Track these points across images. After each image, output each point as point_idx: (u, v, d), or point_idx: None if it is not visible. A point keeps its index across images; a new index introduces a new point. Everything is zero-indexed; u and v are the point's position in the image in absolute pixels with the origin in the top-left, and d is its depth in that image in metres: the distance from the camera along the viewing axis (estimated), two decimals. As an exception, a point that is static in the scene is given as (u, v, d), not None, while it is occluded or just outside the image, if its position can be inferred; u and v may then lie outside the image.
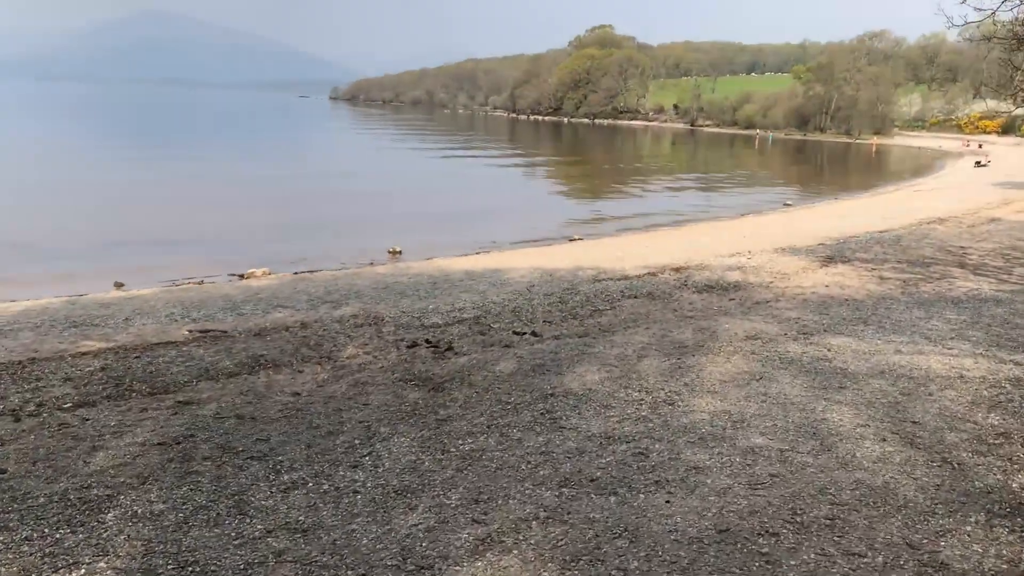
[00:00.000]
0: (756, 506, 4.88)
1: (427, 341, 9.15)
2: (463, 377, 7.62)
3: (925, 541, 4.50)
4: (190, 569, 4.22)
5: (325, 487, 5.20)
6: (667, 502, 4.93)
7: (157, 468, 5.47)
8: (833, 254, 16.07)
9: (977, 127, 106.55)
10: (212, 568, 4.23)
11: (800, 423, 6.33)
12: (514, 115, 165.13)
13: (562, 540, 4.49)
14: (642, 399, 6.91)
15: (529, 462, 5.58)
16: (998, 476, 5.38)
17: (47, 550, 4.38)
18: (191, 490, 5.14)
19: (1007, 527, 4.67)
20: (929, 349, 8.73)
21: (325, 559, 4.32)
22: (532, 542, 4.47)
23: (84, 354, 8.64)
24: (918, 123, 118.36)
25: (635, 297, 11.81)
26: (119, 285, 15.33)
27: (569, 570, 4.20)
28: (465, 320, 10.31)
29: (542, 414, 6.55)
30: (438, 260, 17.23)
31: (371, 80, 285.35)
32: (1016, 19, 21.59)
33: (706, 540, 4.48)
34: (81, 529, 4.61)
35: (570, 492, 5.08)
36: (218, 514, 4.82)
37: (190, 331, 9.91)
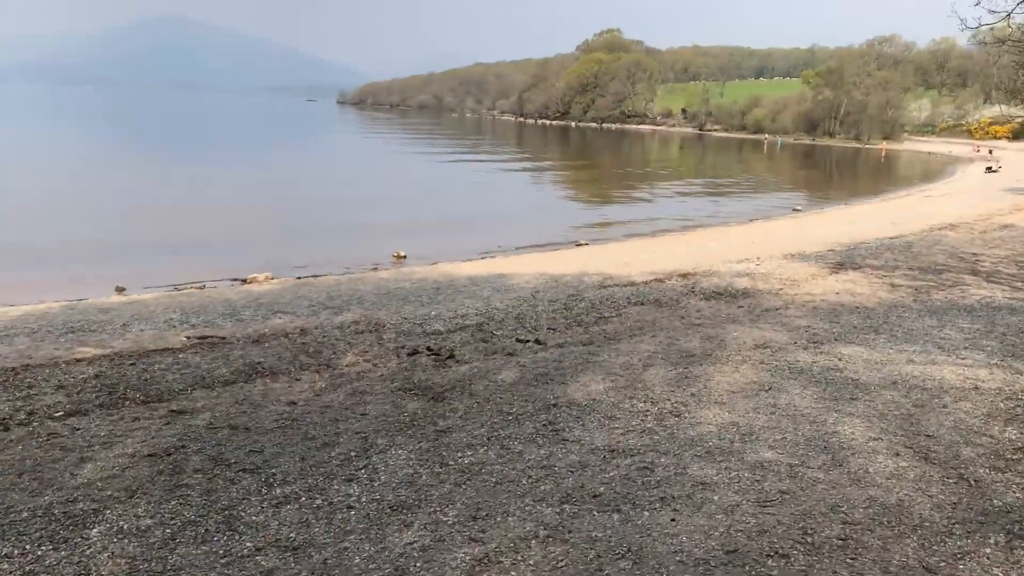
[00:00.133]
0: (765, 525, 4.68)
1: (428, 349, 8.97)
2: (464, 386, 7.44)
3: (942, 564, 4.30)
4: (174, 590, 4.06)
5: (318, 502, 5.02)
6: (672, 520, 4.74)
7: (146, 481, 5.30)
8: (843, 260, 15.84)
9: (988, 132, 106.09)
10: (197, 589, 4.07)
11: (810, 436, 6.14)
12: (521, 119, 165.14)
13: (562, 561, 4.30)
14: (647, 410, 6.73)
15: (530, 476, 5.40)
16: (1017, 494, 5.17)
17: (27, 568, 4.22)
18: (180, 504, 4.97)
19: (1028, 549, 4.48)
20: (942, 359, 8.52)
21: (315, 580, 4.15)
22: (531, 563, 4.29)
23: (79, 361, 8.49)
24: (928, 128, 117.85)
25: (641, 304, 11.61)
26: (120, 290, 15.20)
27: (569, 593, 4.03)
28: (468, 327, 10.12)
29: (544, 425, 6.37)
30: (442, 265, 17.06)
31: (379, 84, 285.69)
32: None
33: (713, 562, 4.29)
34: (64, 546, 4.44)
35: (572, 509, 4.90)
36: (206, 530, 4.65)
37: (188, 337, 9.75)
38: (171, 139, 72.63)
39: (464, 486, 5.25)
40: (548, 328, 10.04)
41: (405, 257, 19.27)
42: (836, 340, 9.33)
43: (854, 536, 4.57)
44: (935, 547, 4.47)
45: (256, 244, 21.04)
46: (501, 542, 4.50)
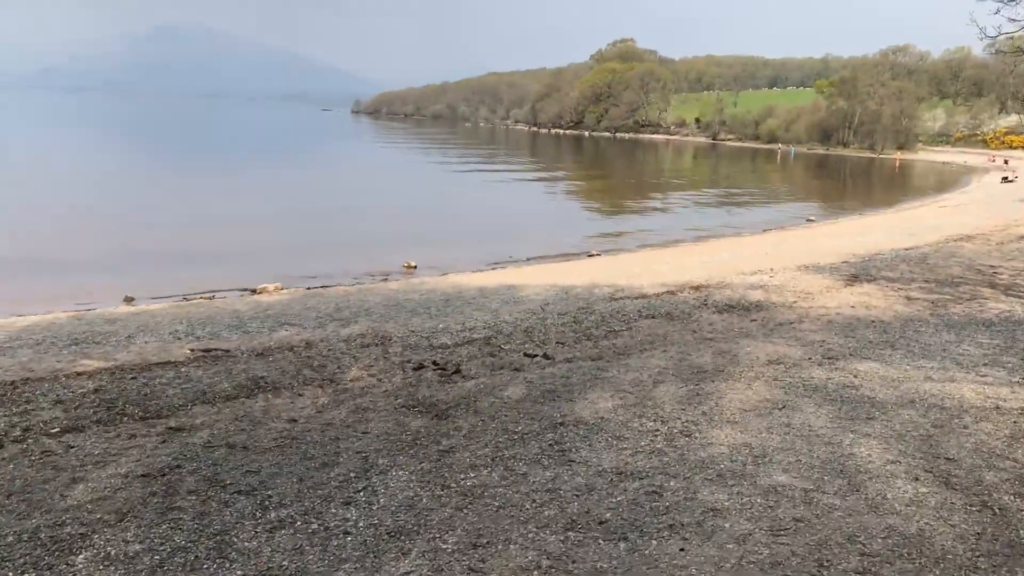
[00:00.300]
0: (779, 556, 4.48)
1: (434, 363, 8.80)
2: (469, 403, 7.26)
3: (966, 600, 4.09)
4: (159, 622, 3.88)
5: (314, 526, 4.85)
6: (681, 550, 4.54)
7: (138, 503, 5.14)
8: (858, 272, 15.59)
9: (1003, 142, 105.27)
10: (183, 621, 3.89)
11: (826, 458, 5.93)
12: (535, 128, 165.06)
13: (565, 593, 4.12)
14: (657, 430, 6.53)
15: (534, 500, 5.21)
16: (1044, 523, 4.95)
17: (8, 597, 4.07)
18: (171, 528, 4.80)
19: (1057, 584, 4.26)
20: (961, 376, 8.29)
21: (306, 612, 3.97)
22: (532, 595, 4.10)
23: (80, 374, 8.35)
24: (943, 138, 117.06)
25: (652, 317, 11.41)
26: (129, 300, 15.10)
27: (572, 629, 3.83)
28: (475, 340, 9.94)
29: (550, 445, 6.18)
30: (452, 276, 16.90)
31: (393, 94, 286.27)
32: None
33: (724, 596, 4.10)
34: (48, 573, 4.29)
35: (576, 536, 4.70)
36: (196, 557, 4.49)
37: (192, 350, 9.62)
38: (187, 149, 72.83)
39: (465, 510, 5.07)
40: (557, 342, 9.85)
41: (416, 267, 19.13)
42: (851, 356, 9.11)
43: (872, 569, 4.35)
44: (958, 581, 4.26)
45: (268, 254, 20.94)
46: (502, 573, 4.31)
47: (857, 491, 5.37)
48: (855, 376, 8.21)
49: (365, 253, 21.23)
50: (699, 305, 12.26)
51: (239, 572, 4.32)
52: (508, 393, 7.58)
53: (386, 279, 17.27)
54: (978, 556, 4.52)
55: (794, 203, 41.80)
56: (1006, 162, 78.49)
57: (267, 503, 5.17)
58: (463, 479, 5.55)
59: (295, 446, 6.18)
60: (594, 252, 21.80)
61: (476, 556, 4.49)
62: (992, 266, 16.74)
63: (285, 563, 4.41)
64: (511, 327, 10.71)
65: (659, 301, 12.70)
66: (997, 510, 5.11)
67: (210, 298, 14.83)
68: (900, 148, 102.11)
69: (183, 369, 8.58)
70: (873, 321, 11.12)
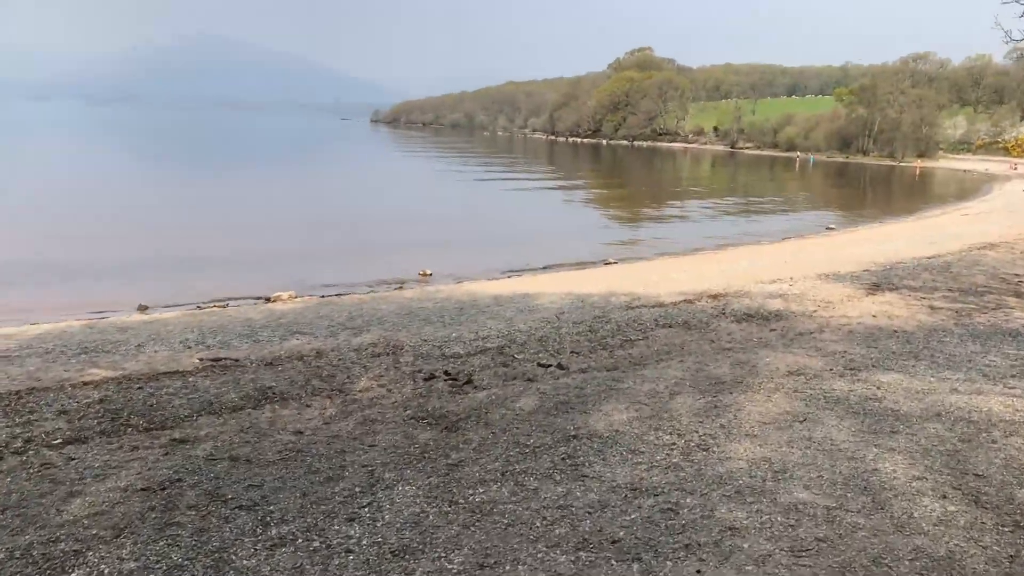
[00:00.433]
0: (801, 579, 4.26)
1: (446, 373, 8.62)
2: (480, 415, 7.07)
3: (1001, 628, 3.87)
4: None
5: (315, 544, 4.67)
6: (698, 572, 4.32)
7: (136, 518, 4.98)
8: (879, 281, 15.30)
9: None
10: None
11: (849, 474, 5.70)
12: (553, 137, 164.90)
13: (575, 618, 3.92)
14: (673, 443, 6.32)
15: (545, 518, 5.01)
16: (1081, 545, 4.70)
17: (-4, 617, 3.91)
18: (168, 545, 4.64)
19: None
20: (988, 388, 8.02)
21: (303, 636, 3.80)
22: (541, 620, 3.91)
23: (86, 384, 8.24)
24: (963, 146, 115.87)
25: (669, 326, 11.19)
26: (143, 308, 15.04)
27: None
28: (488, 350, 9.76)
29: (563, 459, 5.98)
30: (467, 284, 16.75)
31: (412, 103, 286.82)
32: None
33: (742, 622, 3.89)
34: (39, 592, 4.14)
35: (588, 556, 4.50)
36: (193, 575, 4.32)
37: (201, 359, 9.49)
38: (206, 157, 73.12)
39: (473, 528, 4.88)
40: (571, 352, 9.65)
41: (431, 275, 19.00)
42: (874, 367, 8.86)
43: (900, 594, 4.14)
44: (991, 607, 4.04)
45: (285, 262, 20.89)
46: (509, 595, 4.12)
47: (882, 509, 5.14)
48: (878, 388, 7.96)
49: (381, 261, 21.14)
50: (717, 314, 12.04)
51: (236, 592, 4.15)
52: (520, 404, 7.38)
53: (401, 287, 17.14)
54: (1012, 580, 4.29)
55: (813, 211, 41.43)
56: (1029, 170, 77.62)
57: (268, 519, 5.00)
58: (471, 495, 5.37)
59: (300, 459, 6.02)
60: (611, 260, 21.60)
61: (482, 577, 4.30)
62: (1017, 275, 16.40)
63: (284, 583, 4.23)
64: (525, 336, 10.53)
65: (676, 310, 12.48)
66: (1031, 531, 4.87)
67: (224, 306, 14.75)
68: (920, 156, 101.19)
69: (191, 379, 8.45)
70: (896, 331, 10.85)
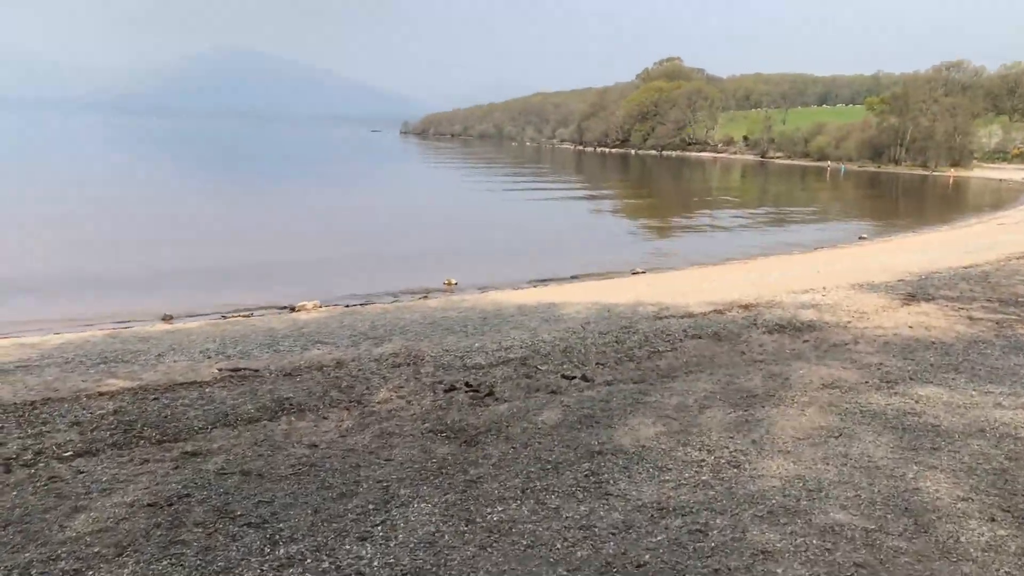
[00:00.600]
0: (840, 609, 3.97)
1: (467, 384, 8.38)
2: (500, 429, 6.82)
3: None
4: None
5: (325, 565, 4.45)
6: (729, 600, 4.06)
7: (140, 535, 4.79)
8: (915, 291, 14.87)
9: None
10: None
11: (888, 494, 5.39)
12: (581, 147, 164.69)
13: (597, 650, 3.66)
14: (703, 460, 6.04)
15: (566, 539, 4.75)
16: None
17: (-13, 642, 3.72)
18: (172, 564, 4.44)
19: None
20: (1035, 403, 7.65)
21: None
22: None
23: (102, 394, 8.10)
24: (999, 155, 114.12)
25: (699, 337, 10.87)
26: (167, 318, 14.97)
27: None
28: (511, 361, 9.51)
29: (586, 476, 5.72)
30: (492, 293, 16.54)
31: (440, 114, 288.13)
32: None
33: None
34: (34, 614, 3.94)
35: (611, 582, 4.24)
36: (195, 598, 4.11)
37: (220, 370, 9.33)
38: (237, 168, 73.58)
39: (490, 549, 4.63)
40: (597, 363, 9.38)
41: (456, 284, 18.80)
42: (912, 379, 8.52)
43: (949, 626, 3.84)
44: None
45: (311, 271, 20.79)
46: (526, 623, 3.87)
47: (925, 532, 4.83)
48: (917, 402, 7.63)
49: (407, 270, 20.99)
50: (748, 325, 11.71)
51: (238, 617, 3.93)
52: (543, 418, 7.13)
53: (425, 296, 16.96)
54: (1071, 613, 3.98)
55: (845, 221, 40.84)
56: (1067, 178, 76.22)
57: (277, 537, 4.79)
58: (490, 513, 5.12)
59: (313, 473, 5.80)
60: (639, 269, 21.29)
61: (499, 603, 4.06)
62: (1059, 285, 15.90)
63: (289, 607, 4.01)
64: (549, 347, 10.27)
65: (706, 320, 12.17)
66: (1089, 558, 4.54)
67: (247, 316, 14.64)
68: (954, 165, 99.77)
69: (207, 390, 8.28)
70: (933, 342, 10.48)
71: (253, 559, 4.51)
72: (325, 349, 10.52)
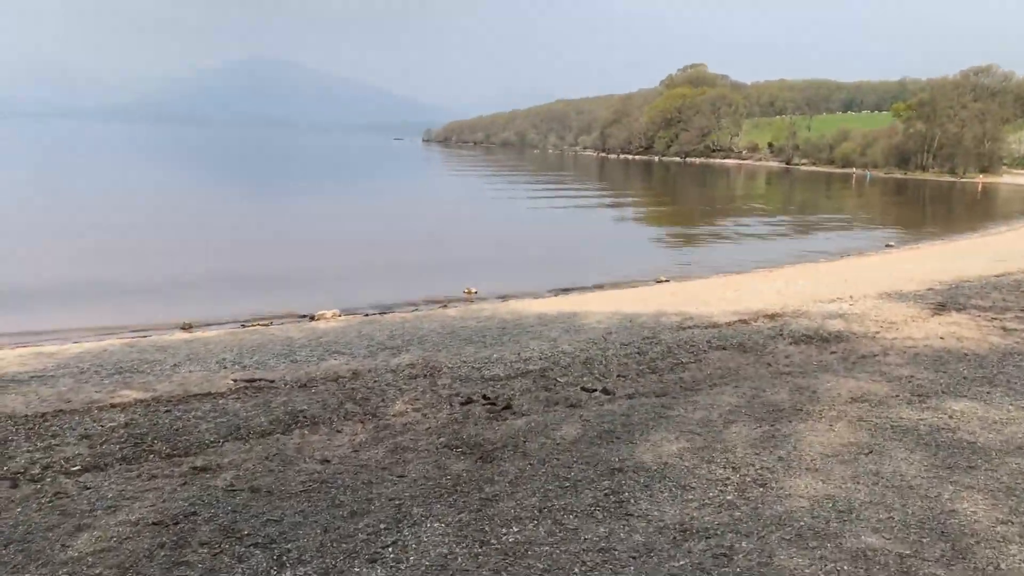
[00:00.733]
0: (874, 643, 3.75)
1: (484, 397, 8.20)
2: (518, 444, 6.62)
3: None
4: None
5: (332, 589, 4.27)
6: (755, 632, 3.84)
7: (143, 556, 4.63)
8: (945, 301, 14.52)
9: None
10: None
11: (923, 516, 5.14)
12: (603, 154, 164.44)
13: None
14: (728, 478, 5.81)
15: (584, 562, 4.55)
16: None
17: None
18: (174, 587, 4.28)
19: None
20: (1076, 418, 7.36)
21: None
22: None
23: (114, 406, 7.98)
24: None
25: (723, 348, 10.63)
26: (187, 327, 14.88)
27: None
28: (530, 372, 9.31)
29: (606, 495, 5.52)
30: (513, 302, 16.34)
31: (463, 122, 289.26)
32: None
33: None
34: (28, 640, 3.79)
35: (631, 610, 4.04)
36: (196, 623, 3.95)
37: (235, 380, 9.21)
38: (262, 175, 74.00)
39: (504, 573, 4.43)
40: (618, 375, 9.16)
41: (476, 293, 18.63)
42: (944, 393, 8.24)
43: (992, 663, 3.60)
44: None
45: (332, 280, 20.69)
46: (541, 655, 3.67)
47: (963, 558, 4.58)
48: (950, 417, 7.36)
49: (428, 279, 20.86)
50: (774, 335, 11.44)
51: (239, 645, 3.76)
52: (562, 433, 6.92)
53: (445, 306, 16.79)
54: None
55: (872, 228, 40.30)
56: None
57: (284, 559, 4.62)
58: (505, 534, 4.92)
59: (324, 490, 5.63)
60: (662, 278, 21.01)
61: (512, 633, 3.86)
62: (1095, 294, 15.48)
63: (293, 635, 3.84)
64: (569, 358, 10.06)
65: (731, 331, 11.91)
66: None
67: (267, 325, 14.53)
68: (983, 172, 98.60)
69: (221, 401, 8.15)
70: (966, 354, 10.17)
71: (258, 582, 4.34)
72: (342, 359, 10.38)
